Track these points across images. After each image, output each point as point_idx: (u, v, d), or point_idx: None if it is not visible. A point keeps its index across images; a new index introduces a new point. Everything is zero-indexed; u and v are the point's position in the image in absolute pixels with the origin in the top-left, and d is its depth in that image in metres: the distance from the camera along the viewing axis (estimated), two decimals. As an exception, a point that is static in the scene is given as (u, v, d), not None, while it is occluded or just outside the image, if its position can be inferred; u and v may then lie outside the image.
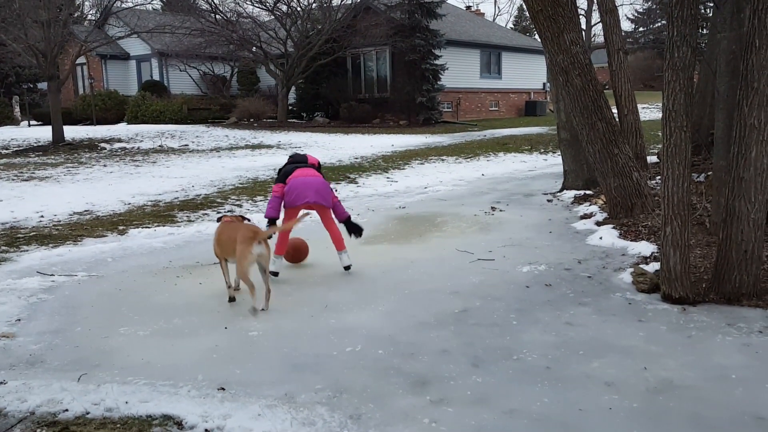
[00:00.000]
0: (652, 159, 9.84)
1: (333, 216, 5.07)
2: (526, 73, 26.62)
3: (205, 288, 4.62)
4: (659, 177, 8.47)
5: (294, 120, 22.94)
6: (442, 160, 12.65)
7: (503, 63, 25.69)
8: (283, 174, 4.92)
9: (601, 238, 5.65)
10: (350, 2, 21.97)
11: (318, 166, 5.13)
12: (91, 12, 25.54)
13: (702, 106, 8.54)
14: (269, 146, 15.54)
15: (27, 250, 5.74)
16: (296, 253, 5.20)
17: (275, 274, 4.80)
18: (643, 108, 19.97)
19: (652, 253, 4.98)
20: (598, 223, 6.20)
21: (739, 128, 3.79)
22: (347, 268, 4.98)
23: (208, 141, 16.82)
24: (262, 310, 4.03)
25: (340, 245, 5.03)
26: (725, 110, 5.06)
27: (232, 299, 4.28)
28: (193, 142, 16.47)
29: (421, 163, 12.12)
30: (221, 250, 4.32)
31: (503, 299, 4.20)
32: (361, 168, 11.36)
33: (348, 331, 3.69)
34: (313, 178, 4.88)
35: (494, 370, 3.14)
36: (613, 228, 5.87)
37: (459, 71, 22.81)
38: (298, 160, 5.03)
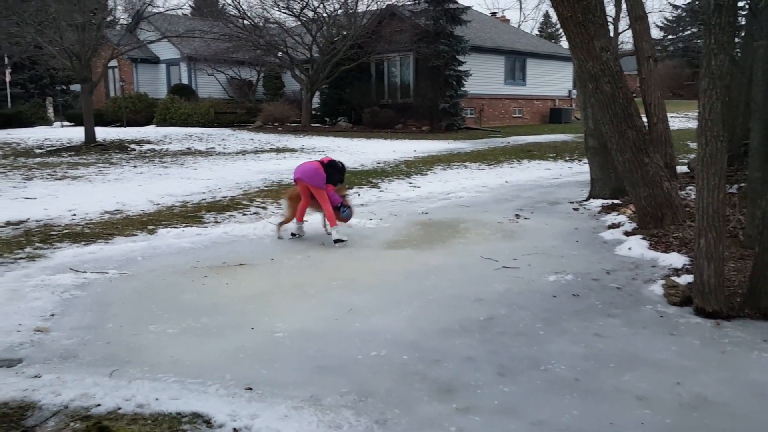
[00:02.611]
0: (681, 169, 9.65)
1: (325, 196, 6.08)
2: (552, 80, 26.41)
3: (231, 288, 4.67)
4: (690, 187, 8.33)
5: (317, 124, 23.10)
6: (465, 166, 12.59)
7: (528, 69, 25.53)
8: None
9: (630, 248, 5.55)
10: (375, 8, 22.08)
11: (326, 164, 6.17)
12: (123, 16, 26.12)
13: (734, 115, 8.36)
14: (293, 150, 15.67)
15: (60, 247, 5.87)
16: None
17: (293, 235, 6.33)
18: (672, 117, 19.63)
19: (684, 265, 4.88)
20: (627, 233, 6.10)
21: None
22: (336, 241, 6.03)
23: (234, 144, 17.03)
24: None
25: (331, 222, 6.13)
26: (762, 120, 4.95)
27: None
28: (219, 145, 16.69)
29: (444, 169, 12.08)
30: None
31: (529, 308, 4.16)
32: (384, 173, 11.38)
33: (372, 336, 3.69)
34: (304, 165, 6.20)
35: (521, 380, 3.11)
36: (643, 238, 5.77)
37: (483, 77, 22.73)
38: None
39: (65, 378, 3.09)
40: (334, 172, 6.21)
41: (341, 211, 6.22)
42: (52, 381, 3.06)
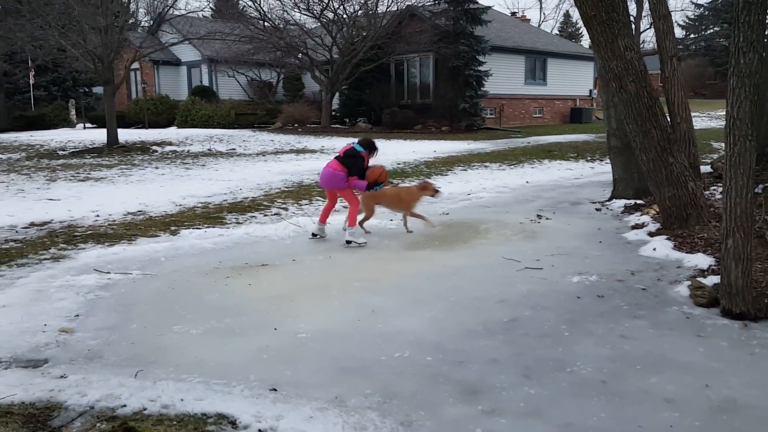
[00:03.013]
0: (704, 169, 9.47)
1: (351, 195, 6.20)
2: (572, 80, 26.14)
3: (254, 289, 4.69)
4: (714, 187, 8.17)
5: (337, 125, 23.19)
6: (485, 166, 12.52)
7: (548, 69, 25.31)
8: None
9: (654, 249, 5.46)
10: (395, 9, 22.10)
11: (342, 158, 6.12)
12: (145, 19, 26.52)
13: (760, 114, 8.17)
14: (313, 151, 15.75)
15: (84, 248, 5.97)
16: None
17: (314, 235, 6.34)
18: (695, 116, 19.28)
19: (710, 265, 4.78)
20: (651, 234, 6.00)
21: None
22: (347, 242, 6.01)
23: (254, 145, 17.17)
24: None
25: (350, 222, 6.11)
26: (792, 118, 4.82)
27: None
28: (240, 146, 16.85)
29: (464, 170, 12.03)
30: None
31: (553, 309, 4.11)
32: (404, 173, 11.36)
33: (395, 337, 3.68)
34: (324, 170, 6.18)
35: (547, 382, 3.07)
36: (667, 239, 5.67)
37: (503, 77, 22.60)
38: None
39: (91, 378, 3.13)
40: (353, 162, 6.10)
41: (375, 189, 6.35)
42: (78, 381, 3.09)
